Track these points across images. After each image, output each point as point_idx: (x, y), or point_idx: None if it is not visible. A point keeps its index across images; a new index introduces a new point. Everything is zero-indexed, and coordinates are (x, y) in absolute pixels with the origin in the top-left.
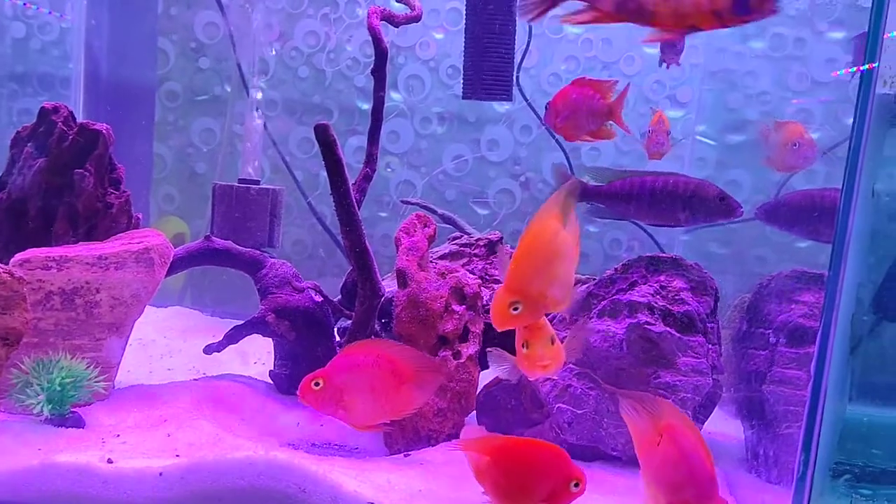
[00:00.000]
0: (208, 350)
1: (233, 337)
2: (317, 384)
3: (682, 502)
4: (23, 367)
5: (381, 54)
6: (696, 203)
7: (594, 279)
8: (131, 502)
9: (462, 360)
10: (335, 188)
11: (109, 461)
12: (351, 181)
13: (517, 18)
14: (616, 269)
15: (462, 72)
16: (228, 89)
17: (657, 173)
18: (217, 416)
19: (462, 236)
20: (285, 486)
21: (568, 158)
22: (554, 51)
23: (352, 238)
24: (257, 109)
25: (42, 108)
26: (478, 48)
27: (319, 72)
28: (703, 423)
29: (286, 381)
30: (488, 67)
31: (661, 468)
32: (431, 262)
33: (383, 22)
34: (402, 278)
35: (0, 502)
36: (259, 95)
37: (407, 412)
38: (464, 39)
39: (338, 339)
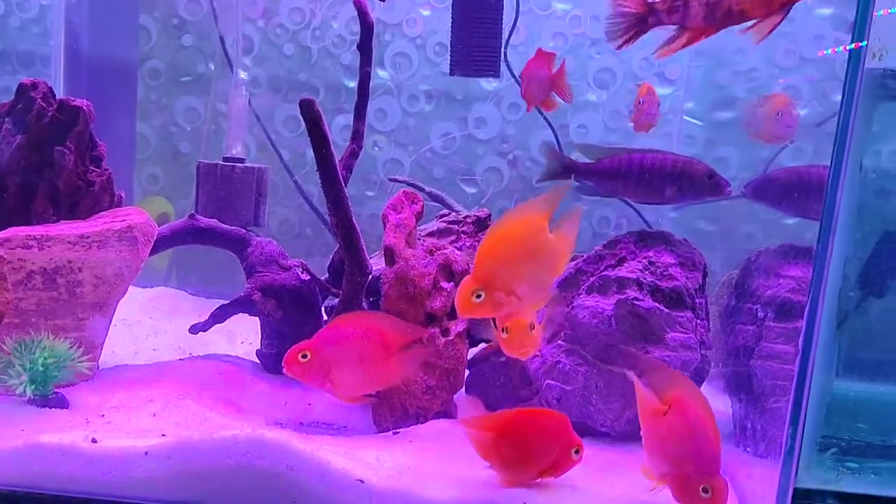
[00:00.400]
0: (194, 330)
1: (219, 316)
2: (304, 356)
3: (682, 475)
4: (4, 347)
5: (367, 28)
6: (685, 180)
7: (582, 257)
8: (117, 482)
9: (450, 338)
10: (321, 164)
11: (94, 441)
12: (337, 158)
13: None
14: (604, 245)
15: (449, 48)
16: (212, 67)
17: (646, 151)
18: (203, 395)
19: (450, 213)
20: (272, 464)
21: (557, 136)
22: (542, 27)
23: (338, 215)
24: (243, 87)
25: (20, 84)
26: (465, 23)
27: (305, 49)
28: None
29: (273, 361)
30: (476, 43)
31: (666, 438)
32: (419, 239)
33: None
34: (390, 255)
35: None
36: (244, 75)
37: (394, 382)
38: (451, 15)
39: (325, 317)
